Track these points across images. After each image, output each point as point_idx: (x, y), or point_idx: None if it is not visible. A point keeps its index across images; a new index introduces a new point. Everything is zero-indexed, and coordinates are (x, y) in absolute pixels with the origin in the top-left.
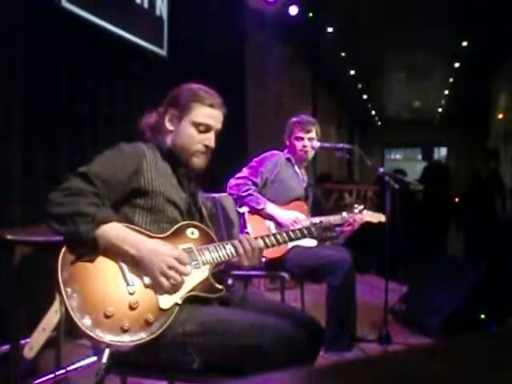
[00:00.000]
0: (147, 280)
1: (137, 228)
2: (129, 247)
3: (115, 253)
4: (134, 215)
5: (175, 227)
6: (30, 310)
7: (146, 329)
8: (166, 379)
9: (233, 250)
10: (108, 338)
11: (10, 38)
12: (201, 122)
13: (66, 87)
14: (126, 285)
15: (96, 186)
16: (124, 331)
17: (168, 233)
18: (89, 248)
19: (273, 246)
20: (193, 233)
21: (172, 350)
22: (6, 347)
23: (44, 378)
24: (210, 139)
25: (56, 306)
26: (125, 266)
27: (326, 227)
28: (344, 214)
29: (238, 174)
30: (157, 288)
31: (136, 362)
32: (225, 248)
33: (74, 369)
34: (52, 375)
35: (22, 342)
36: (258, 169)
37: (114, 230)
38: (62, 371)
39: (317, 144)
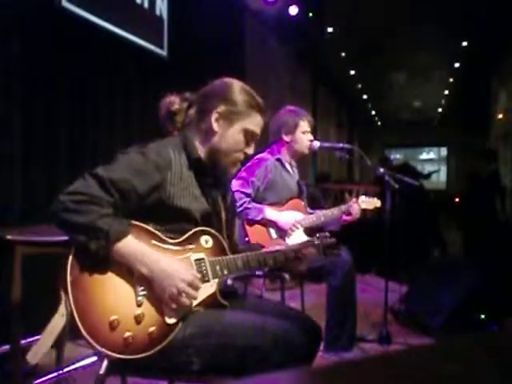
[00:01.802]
0: (156, 295)
1: (151, 230)
2: (141, 266)
3: (127, 268)
4: (146, 225)
5: (190, 232)
6: (31, 310)
7: (147, 343)
8: (166, 379)
9: (242, 267)
10: (109, 349)
11: (10, 37)
12: (252, 130)
13: (66, 87)
14: (134, 295)
15: (112, 195)
16: (126, 344)
17: (182, 238)
18: (98, 260)
19: (281, 262)
20: (207, 241)
21: (172, 352)
22: (6, 347)
23: (44, 378)
24: (251, 148)
25: (62, 309)
26: (136, 277)
27: (331, 244)
28: (342, 206)
29: None
30: (164, 307)
31: (136, 363)
32: (236, 263)
33: (75, 369)
34: (52, 375)
35: (22, 341)
36: (248, 179)
37: (126, 248)
38: (63, 371)
39: (317, 144)
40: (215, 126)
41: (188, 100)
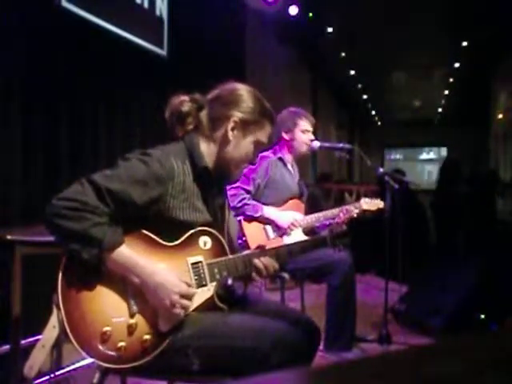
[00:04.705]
0: (149, 304)
1: (147, 234)
2: (134, 277)
3: (119, 278)
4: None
5: (188, 234)
6: (31, 310)
7: (140, 351)
8: (166, 379)
9: (243, 268)
10: (102, 359)
11: (11, 37)
12: (263, 141)
13: (66, 87)
14: (127, 306)
15: (108, 205)
16: (119, 354)
17: (180, 240)
18: (90, 271)
19: (284, 258)
20: (205, 243)
21: (172, 353)
22: (6, 347)
23: (44, 378)
24: (255, 156)
25: (53, 320)
26: (129, 287)
27: (341, 233)
28: (343, 207)
29: None
30: (157, 316)
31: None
32: (236, 264)
33: (74, 369)
34: (52, 375)
35: (22, 342)
36: (249, 175)
37: (119, 258)
38: (62, 371)
39: (317, 144)
40: (230, 134)
41: (198, 102)
